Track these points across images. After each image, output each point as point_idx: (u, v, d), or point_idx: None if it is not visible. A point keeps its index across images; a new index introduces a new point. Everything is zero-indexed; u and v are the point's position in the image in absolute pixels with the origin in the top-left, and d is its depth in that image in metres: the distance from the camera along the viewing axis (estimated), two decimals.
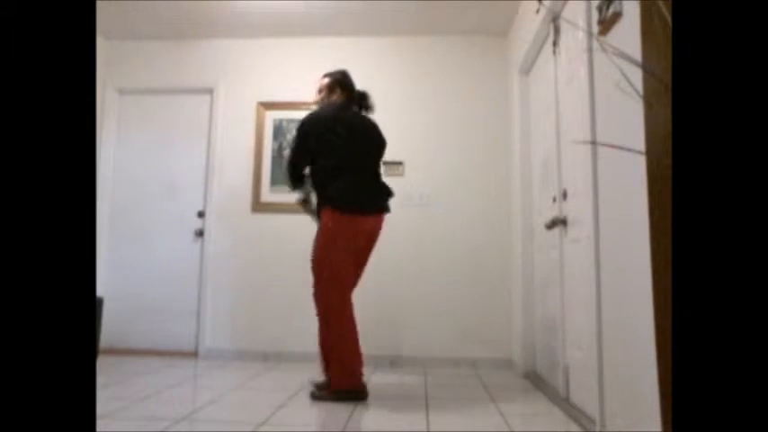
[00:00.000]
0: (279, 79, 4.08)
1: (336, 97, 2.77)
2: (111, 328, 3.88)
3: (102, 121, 4.10)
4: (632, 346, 1.67)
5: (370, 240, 2.67)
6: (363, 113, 2.81)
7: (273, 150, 4.01)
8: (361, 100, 2.82)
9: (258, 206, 3.96)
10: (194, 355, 3.86)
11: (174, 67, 4.16)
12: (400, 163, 3.86)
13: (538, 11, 2.92)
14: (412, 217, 3.84)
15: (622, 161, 1.76)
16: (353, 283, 2.67)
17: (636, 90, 1.35)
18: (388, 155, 3.03)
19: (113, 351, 3.87)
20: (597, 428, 1.93)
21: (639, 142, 1.55)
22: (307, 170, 2.73)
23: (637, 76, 1.47)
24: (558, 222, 2.63)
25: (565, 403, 2.47)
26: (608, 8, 1.84)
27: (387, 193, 2.72)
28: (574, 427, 2.16)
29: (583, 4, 2.14)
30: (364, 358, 2.61)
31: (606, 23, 1.86)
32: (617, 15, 1.78)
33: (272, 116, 4.04)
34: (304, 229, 3.91)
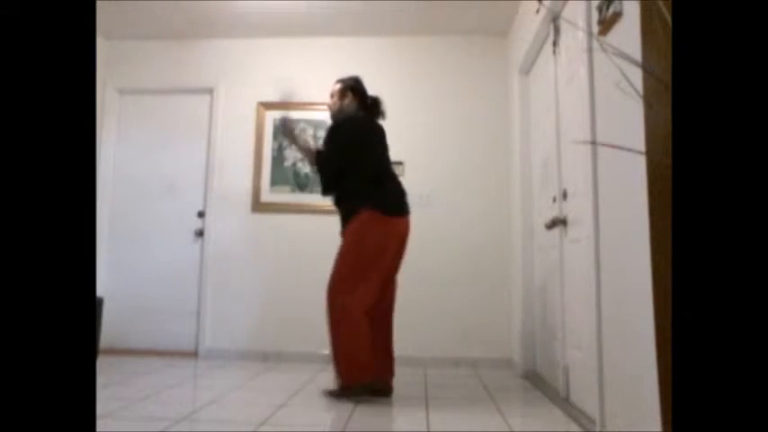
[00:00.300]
0: (279, 79, 4.08)
1: (349, 102, 2.80)
2: (111, 328, 3.88)
3: (102, 121, 4.10)
4: (632, 346, 1.67)
5: (403, 243, 2.69)
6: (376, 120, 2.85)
7: (273, 150, 4.02)
8: (374, 106, 2.85)
9: (258, 206, 3.96)
10: (194, 355, 3.86)
11: (174, 67, 4.16)
12: (400, 163, 3.86)
13: (538, 11, 2.92)
14: (412, 217, 3.80)
15: (622, 161, 1.76)
16: (385, 285, 2.66)
17: (636, 90, 1.35)
18: None
19: (113, 351, 3.87)
20: (597, 428, 1.93)
21: (639, 142, 1.55)
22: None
23: (637, 76, 1.46)
24: (558, 222, 2.63)
25: (565, 403, 2.47)
26: (608, 8, 1.84)
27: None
28: (574, 427, 2.16)
29: (583, 4, 2.14)
30: None
31: (606, 23, 1.86)
32: (617, 15, 1.78)
33: (272, 116, 4.04)
34: (304, 229, 3.92)
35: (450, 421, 2.20)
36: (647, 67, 1.20)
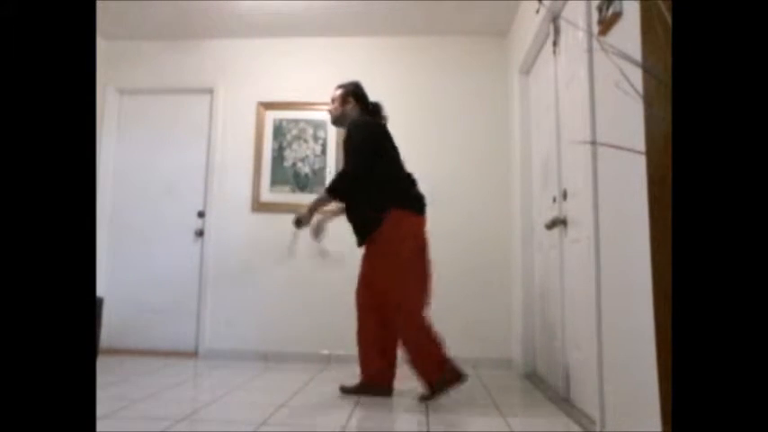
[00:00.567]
0: (279, 79, 4.08)
1: (351, 107, 2.81)
2: (111, 328, 3.88)
3: (102, 121, 4.10)
4: (632, 346, 1.67)
5: (425, 240, 2.71)
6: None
7: (273, 150, 4.02)
8: (376, 111, 2.86)
9: (258, 206, 3.96)
10: (194, 355, 3.86)
11: (174, 67, 4.16)
12: None
13: (538, 11, 2.92)
14: None
15: (622, 161, 1.76)
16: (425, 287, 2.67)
17: (636, 90, 1.35)
18: None
19: (113, 351, 3.87)
20: (597, 428, 1.93)
21: (639, 142, 1.55)
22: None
23: (637, 76, 1.47)
24: (558, 222, 2.63)
25: (565, 403, 2.47)
26: (608, 8, 1.84)
27: None
28: (574, 427, 2.16)
29: (583, 4, 2.14)
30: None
31: (606, 23, 1.86)
32: (617, 15, 1.78)
33: (272, 116, 4.05)
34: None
35: (450, 421, 2.20)
36: (646, 67, 1.20)
